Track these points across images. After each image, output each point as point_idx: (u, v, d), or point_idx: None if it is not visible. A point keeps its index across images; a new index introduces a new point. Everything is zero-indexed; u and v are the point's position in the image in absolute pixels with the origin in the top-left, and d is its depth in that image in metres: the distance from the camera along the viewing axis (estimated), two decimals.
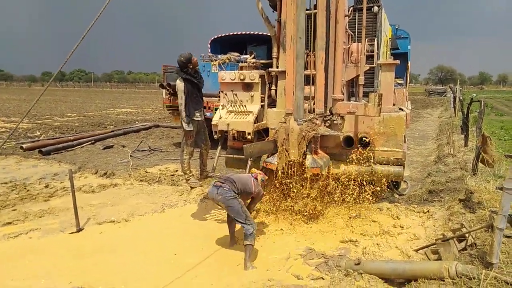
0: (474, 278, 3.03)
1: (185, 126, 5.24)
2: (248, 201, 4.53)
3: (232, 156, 5.73)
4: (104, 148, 10.80)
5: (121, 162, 8.99)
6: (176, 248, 4.35)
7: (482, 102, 6.48)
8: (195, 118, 5.33)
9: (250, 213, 4.44)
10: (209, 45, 11.21)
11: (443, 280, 3.16)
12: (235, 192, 4.13)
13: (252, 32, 10.61)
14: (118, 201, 6.02)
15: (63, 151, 10.25)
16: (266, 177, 4.72)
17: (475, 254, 3.56)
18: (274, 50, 5.67)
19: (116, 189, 6.73)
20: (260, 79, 5.46)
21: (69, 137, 11.61)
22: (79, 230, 4.83)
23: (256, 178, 4.46)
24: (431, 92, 45.02)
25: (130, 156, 9.61)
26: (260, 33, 10.34)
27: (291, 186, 4.99)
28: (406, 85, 9.66)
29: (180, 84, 5.20)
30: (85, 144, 11.15)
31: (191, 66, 5.25)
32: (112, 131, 13.58)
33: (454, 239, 3.69)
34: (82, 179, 7.44)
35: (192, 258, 4.08)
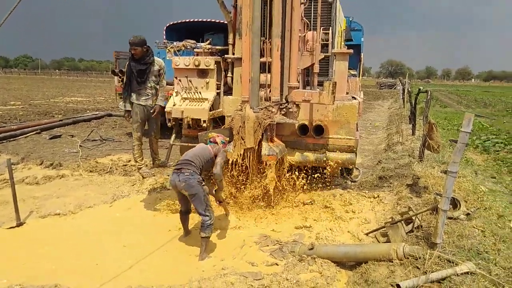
0: (420, 258, 3.17)
1: (120, 105, 5.19)
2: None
3: (186, 144, 5.58)
4: (51, 138, 10.15)
5: (70, 152, 8.51)
6: (126, 240, 4.18)
7: (429, 91, 6.81)
8: (135, 102, 5.17)
9: (220, 167, 4.17)
10: (164, 32, 10.84)
11: (392, 261, 3.28)
12: (198, 174, 3.93)
13: (209, 20, 10.38)
14: (64, 192, 5.68)
15: (5, 141, 9.51)
16: (227, 139, 4.58)
17: (421, 236, 3.74)
18: (230, 36, 5.56)
19: (63, 181, 6.35)
20: (215, 65, 5.34)
21: (12, 126, 10.80)
22: (20, 224, 4.49)
23: (215, 142, 4.33)
24: (382, 85, 46.92)
25: (80, 146, 9.11)
26: (217, 21, 10.15)
27: (247, 174, 4.96)
28: (359, 76, 9.93)
29: (126, 64, 5.18)
30: (29, 134, 10.41)
31: (132, 51, 5.10)
32: (61, 120, 12.80)
33: (402, 222, 3.85)
34: (25, 170, 6.95)
35: (143, 250, 3.94)
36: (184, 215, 4.28)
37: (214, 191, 4.36)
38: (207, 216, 3.86)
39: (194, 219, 4.52)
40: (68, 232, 4.37)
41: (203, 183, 3.97)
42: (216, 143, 4.33)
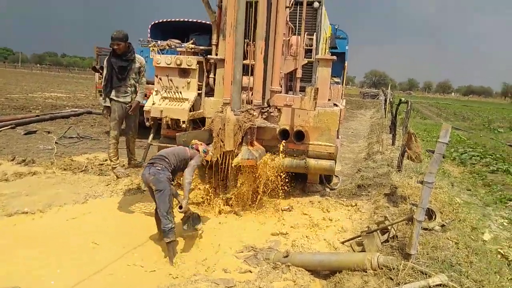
0: (393, 268, 3.14)
1: (101, 100, 5.06)
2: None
3: (164, 144, 5.45)
4: (26, 134, 9.80)
5: (44, 149, 8.22)
6: (97, 241, 4.01)
7: (409, 102, 6.89)
8: (114, 98, 5.03)
9: (191, 169, 4.10)
10: (149, 30, 10.68)
11: (366, 271, 3.24)
12: (169, 171, 3.84)
13: (195, 20, 10.28)
14: (35, 190, 5.44)
15: None
16: (209, 149, 4.48)
17: (396, 246, 3.72)
18: (214, 36, 5.49)
19: (34, 178, 6.09)
20: (197, 65, 5.26)
21: None
22: None
23: (197, 150, 4.24)
24: (365, 95, 47.70)
25: (55, 143, 8.82)
26: (204, 21, 10.06)
27: (224, 177, 4.87)
28: (342, 84, 9.99)
29: (105, 60, 5.03)
30: (3, 129, 10.03)
31: (114, 46, 4.95)
32: (37, 115, 12.41)
33: (378, 231, 3.82)
34: None
35: (114, 252, 3.79)
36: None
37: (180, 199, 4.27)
38: (168, 220, 3.73)
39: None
40: (35, 231, 4.17)
41: (172, 182, 3.88)
42: (198, 150, 4.25)
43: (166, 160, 3.90)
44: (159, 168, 3.80)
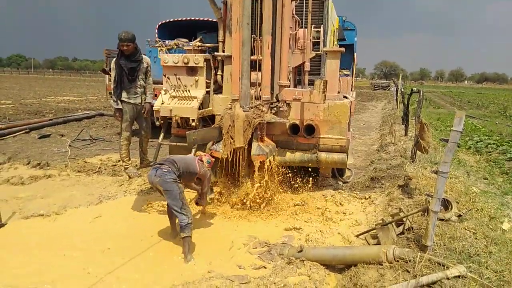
0: (410, 261, 3.09)
1: (112, 103, 5.05)
2: (193, 184, 4.25)
3: (175, 144, 5.47)
4: (40, 138, 9.97)
5: (58, 152, 8.35)
6: (112, 242, 4.05)
7: (421, 91, 6.76)
8: (125, 100, 5.04)
9: (204, 197, 4.25)
10: (156, 30, 10.72)
11: (381, 264, 3.20)
12: (175, 174, 3.86)
13: (202, 18, 10.28)
14: (50, 193, 5.53)
15: None
16: (213, 159, 4.49)
17: (411, 238, 3.66)
18: (220, 33, 5.47)
19: (49, 181, 6.20)
20: (205, 63, 5.24)
21: (0, 126, 10.60)
22: (1, 225, 4.35)
23: (201, 160, 4.23)
24: (376, 86, 47.07)
25: (69, 145, 8.95)
26: (210, 19, 10.04)
27: (236, 174, 4.86)
28: (352, 76, 9.87)
29: (112, 62, 5.03)
30: (18, 133, 10.23)
31: (123, 47, 4.95)
32: (51, 119, 12.61)
33: (393, 223, 3.77)
34: (11, 170, 6.78)
35: (129, 252, 3.82)
36: (172, 211, 4.16)
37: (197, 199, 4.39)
38: (184, 215, 3.74)
39: None
40: (51, 233, 4.23)
41: (179, 181, 3.89)
42: (202, 161, 4.23)
43: (175, 165, 3.91)
44: (165, 170, 3.82)
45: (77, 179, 6.27)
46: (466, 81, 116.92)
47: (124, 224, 4.56)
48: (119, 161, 7.39)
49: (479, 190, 5.38)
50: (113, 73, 5.11)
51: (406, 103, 9.47)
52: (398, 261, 3.15)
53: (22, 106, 17.34)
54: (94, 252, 3.84)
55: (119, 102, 5.12)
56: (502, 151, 8.62)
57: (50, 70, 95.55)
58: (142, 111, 5.32)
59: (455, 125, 3.05)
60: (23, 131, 10.47)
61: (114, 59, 5.15)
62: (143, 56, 5.18)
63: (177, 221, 4.19)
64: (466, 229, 3.65)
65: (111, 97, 5.39)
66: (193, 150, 5.21)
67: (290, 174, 5.22)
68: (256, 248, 3.96)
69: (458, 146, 3.39)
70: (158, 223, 4.50)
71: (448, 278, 2.77)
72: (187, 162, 4.07)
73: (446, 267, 2.88)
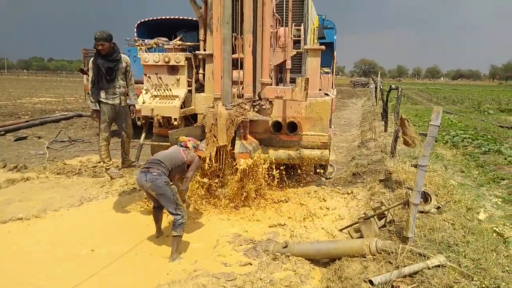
0: (392, 252, 3.17)
1: (90, 104, 4.97)
2: (188, 174, 4.14)
3: (157, 143, 5.42)
4: (16, 140, 9.69)
5: (36, 154, 8.14)
6: (94, 243, 3.99)
7: (399, 88, 6.92)
8: (103, 101, 4.96)
9: (187, 182, 4.11)
10: (135, 29, 10.56)
11: (365, 257, 3.27)
12: (166, 175, 3.79)
13: (182, 17, 10.20)
14: (28, 196, 5.39)
15: None
16: (198, 142, 4.43)
17: (393, 230, 3.76)
18: (201, 32, 5.45)
19: (27, 184, 6.04)
20: (186, 62, 5.21)
21: None
22: None
23: (186, 147, 4.17)
24: (355, 84, 47.73)
25: (47, 147, 8.74)
26: (190, 18, 9.97)
27: (219, 172, 4.86)
28: (332, 74, 9.99)
29: (90, 61, 4.94)
30: None
31: (98, 47, 4.86)
32: (27, 121, 12.27)
33: (375, 217, 3.85)
34: None
35: (112, 253, 3.77)
36: (157, 211, 4.14)
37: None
38: (179, 215, 3.74)
39: (168, 218, 4.37)
40: (32, 237, 4.13)
41: (171, 183, 3.84)
42: (188, 147, 4.18)
43: (162, 164, 3.84)
44: (156, 174, 3.73)
45: (56, 182, 6.14)
46: (442, 78, 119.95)
47: (107, 226, 4.49)
48: (99, 162, 7.26)
49: (457, 182, 5.56)
50: (90, 73, 5.01)
51: (385, 100, 9.68)
52: (380, 253, 3.23)
53: None
54: (77, 254, 3.77)
55: (96, 103, 5.02)
56: (477, 145, 8.92)
57: (25, 70, 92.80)
58: (131, 114, 5.24)
59: (433, 120, 3.14)
60: None
61: (92, 58, 5.05)
62: (122, 55, 5.10)
63: (163, 221, 4.18)
64: (445, 221, 3.77)
65: (89, 97, 5.27)
66: None
67: (274, 171, 5.25)
68: (241, 245, 3.98)
69: (436, 141, 3.50)
70: (141, 224, 4.47)
71: (429, 268, 2.86)
72: (173, 157, 4.01)
73: (427, 257, 2.97)
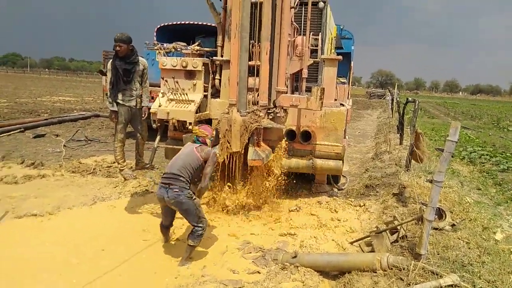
0: (404, 269, 3.10)
1: (108, 105, 5.03)
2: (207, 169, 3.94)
3: (171, 147, 5.47)
4: (35, 137, 9.91)
5: (53, 152, 8.30)
6: (105, 243, 4.03)
7: (417, 101, 6.83)
8: (120, 102, 5.03)
9: (206, 179, 3.91)
10: (155, 33, 10.74)
11: (375, 272, 3.21)
12: (187, 188, 3.70)
13: (200, 23, 10.33)
14: (43, 193, 5.49)
15: None
16: (212, 130, 4.28)
17: (406, 246, 3.68)
18: (219, 38, 5.49)
19: (43, 181, 6.15)
20: (203, 67, 5.26)
21: None
22: None
23: (204, 143, 4.02)
24: (371, 95, 47.36)
25: (64, 146, 8.91)
26: (209, 24, 10.09)
27: (231, 178, 4.86)
28: (348, 84, 9.94)
29: (109, 63, 5.01)
30: (13, 132, 10.16)
31: (117, 49, 4.94)
32: (46, 119, 12.55)
33: (387, 231, 3.79)
34: (5, 169, 6.72)
35: (122, 254, 3.80)
36: (165, 229, 4.07)
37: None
38: (200, 226, 3.70)
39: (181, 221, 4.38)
40: (44, 234, 4.20)
41: (194, 197, 3.76)
42: (206, 143, 4.04)
43: (181, 178, 3.71)
44: (177, 190, 3.64)
45: (71, 180, 6.24)
46: (460, 92, 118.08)
47: (118, 226, 4.53)
48: (114, 162, 7.34)
49: (473, 200, 5.42)
50: (109, 74, 5.10)
51: (401, 112, 9.55)
52: (392, 269, 3.16)
53: (17, 105, 17.23)
54: (87, 253, 3.81)
55: (114, 104, 5.10)
56: (495, 162, 8.70)
57: (46, 70, 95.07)
58: (143, 115, 5.31)
59: (451, 135, 3.08)
60: (18, 130, 10.40)
61: (111, 60, 5.14)
62: (140, 58, 5.18)
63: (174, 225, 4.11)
64: (459, 239, 3.68)
65: (107, 98, 5.36)
66: None
67: (286, 179, 5.22)
68: (250, 253, 3.96)
69: (452, 156, 3.43)
70: (152, 226, 4.48)
71: (441, 287, 2.79)
72: (189, 163, 3.82)
73: (440, 276, 2.90)
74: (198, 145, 4.02)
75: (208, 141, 4.08)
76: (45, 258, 3.66)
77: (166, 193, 3.66)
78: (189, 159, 3.86)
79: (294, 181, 5.20)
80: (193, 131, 4.13)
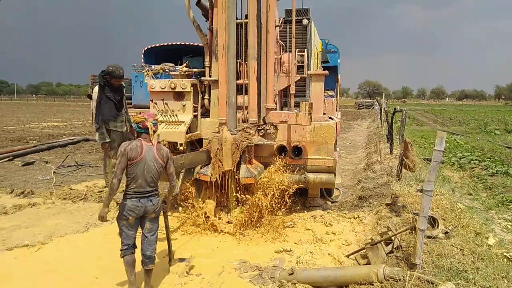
0: (400, 280, 3.11)
1: (96, 137, 4.99)
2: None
3: None
4: (24, 165, 9.79)
5: (43, 179, 8.20)
6: (100, 270, 3.97)
7: (404, 111, 6.96)
8: (113, 129, 5.04)
9: (175, 177, 3.76)
10: (142, 55, 10.80)
11: (372, 284, 3.21)
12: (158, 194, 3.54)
13: (187, 43, 10.44)
14: (34, 222, 5.40)
15: None
16: (157, 118, 3.79)
17: (401, 256, 3.70)
18: (207, 59, 5.58)
19: (34, 209, 6.06)
20: (192, 88, 5.32)
21: None
22: None
23: (145, 127, 3.47)
24: (360, 105, 47.92)
25: (54, 172, 8.81)
26: (196, 44, 10.20)
27: (224, 197, 4.86)
28: (336, 97, 10.08)
29: (95, 91, 5.02)
30: (1, 161, 10.04)
31: (109, 79, 4.96)
32: (35, 146, 12.42)
33: (382, 242, 3.80)
34: None
35: (118, 281, 3.74)
36: (133, 254, 3.58)
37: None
38: (155, 244, 3.64)
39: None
40: (37, 264, 4.12)
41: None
42: (147, 128, 3.46)
43: (154, 186, 3.52)
44: (157, 197, 3.55)
45: (62, 207, 6.16)
46: (447, 99, 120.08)
47: (113, 253, 4.45)
48: (105, 187, 7.29)
49: (464, 206, 5.49)
50: (96, 105, 5.09)
51: (390, 121, 9.69)
52: (388, 280, 3.17)
53: (5, 133, 17.06)
54: (82, 282, 3.75)
55: (106, 136, 5.09)
56: (485, 167, 8.83)
57: (34, 95, 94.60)
58: (126, 135, 5.31)
59: (437, 145, 3.15)
60: (6, 159, 10.28)
61: (98, 92, 5.09)
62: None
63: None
64: (453, 246, 3.71)
65: (97, 132, 5.24)
66: (181, 174, 5.19)
67: (279, 195, 5.23)
68: (247, 272, 3.93)
69: (442, 163, 3.50)
70: None
71: None
72: (154, 170, 3.46)
73: (436, 285, 2.92)
74: (156, 147, 3.55)
75: (149, 124, 3.48)
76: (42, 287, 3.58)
77: (150, 201, 3.46)
78: (153, 168, 3.47)
79: (287, 196, 5.20)
80: (136, 119, 3.57)
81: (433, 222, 4.02)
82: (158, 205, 3.55)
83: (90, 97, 9.42)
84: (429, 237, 3.85)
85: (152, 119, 3.53)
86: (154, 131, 3.53)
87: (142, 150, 3.42)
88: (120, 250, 3.51)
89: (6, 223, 5.32)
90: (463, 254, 3.54)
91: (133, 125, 3.60)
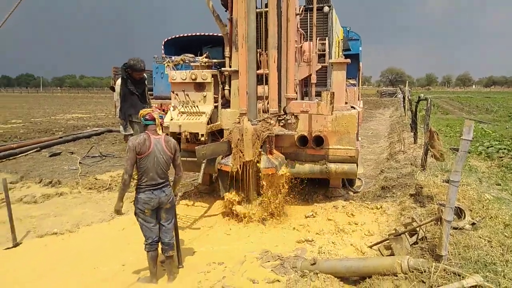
0: (425, 271, 3.06)
1: (121, 129, 5.07)
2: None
3: (185, 159, 5.51)
4: (51, 156, 10.12)
5: (69, 169, 8.46)
6: (126, 259, 4.08)
7: (429, 99, 6.76)
8: (136, 120, 5.12)
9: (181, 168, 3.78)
10: (163, 47, 10.90)
11: (396, 275, 3.17)
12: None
13: (207, 34, 10.44)
14: (62, 211, 5.60)
15: (4, 160, 9.47)
16: (163, 113, 3.93)
17: (426, 247, 3.63)
18: (227, 49, 5.55)
19: (61, 199, 6.27)
20: (212, 78, 5.32)
21: (12, 145, 10.76)
22: (16, 245, 4.41)
23: (152, 119, 3.52)
24: (382, 94, 46.98)
25: (79, 163, 9.06)
26: (215, 34, 10.19)
27: (246, 187, 4.88)
28: (358, 85, 9.89)
29: (118, 83, 5.10)
30: (29, 152, 10.39)
31: (130, 72, 5.03)
32: (61, 137, 12.80)
33: (406, 233, 3.74)
34: (24, 189, 6.89)
35: (144, 268, 3.83)
36: (157, 250, 3.64)
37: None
38: (172, 233, 3.72)
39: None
40: (66, 252, 4.28)
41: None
42: (154, 119, 3.52)
43: (165, 177, 3.60)
44: (170, 187, 3.65)
45: (88, 196, 6.34)
46: (473, 86, 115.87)
47: (138, 240, 4.56)
48: None
49: (492, 196, 5.31)
50: (119, 98, 5.18)
51: (414, 110, 9.45)
52: (413, 271, 3.12)
53: (32, 125, 17.65)
54: (109, 270, 3.86)
55: (128, 128, 5.19)
56: None
57: (58, 88, 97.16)
58: None
59: (465, 134, 3.05)
60: (34, 150, 10.64)
61: (121, 85, 5.18)
62: None
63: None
64: (480, 237, 3.61)
65: (120, 124, 5.32)
66: (203, 164, 5.24)
67: (300, 185, 5.21)
68: (268, 261, 3.95)
69: (469, 152, 3.38)
70: None
71: None
72: (163, 162, 3.51)
73: (462, 277, 2.85)
74: (158, 136, 3.56)
75: (156, 115, 3.54)
76: (68, 277, 3.72)
77: (163, 192, 3.53)
78: (162, 160, 3.53)
79: (309, 187, 5.18)
80: (143, 112, 3.63)
81: (459, 213, 3.92)
82: (171, 195, 3.66)
83: (112, 89, 9.62)
84: (455, 228, 3.76)
85: (158, 112, 3.61)
86: (161, 124, 3.60)
87: (151, 143, 3.48)
88: (144, 244, 3.62)
89: (37, 212, 5.54)
90: (491, 246, 3.44)
91: (141, 119, 3.63)
